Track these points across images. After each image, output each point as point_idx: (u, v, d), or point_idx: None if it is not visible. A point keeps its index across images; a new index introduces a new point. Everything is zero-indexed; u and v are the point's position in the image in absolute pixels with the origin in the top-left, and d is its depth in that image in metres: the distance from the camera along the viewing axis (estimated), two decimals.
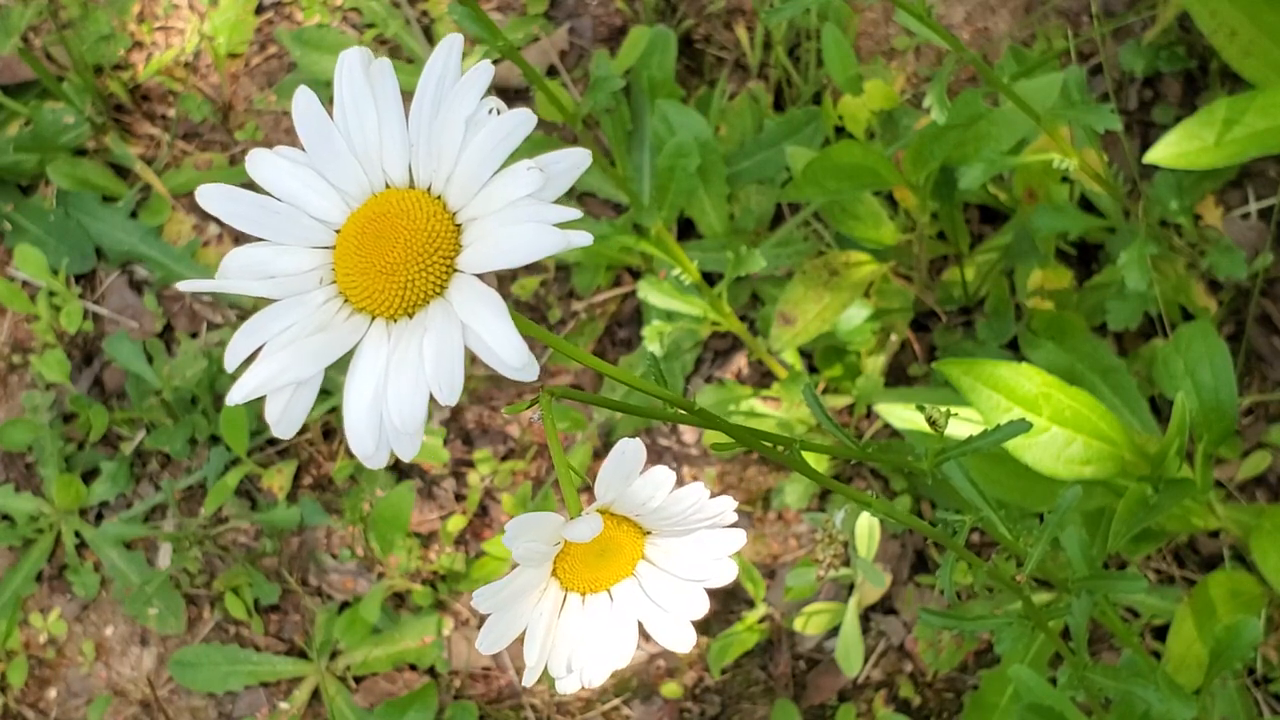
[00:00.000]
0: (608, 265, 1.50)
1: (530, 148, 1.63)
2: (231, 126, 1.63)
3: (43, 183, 1.62)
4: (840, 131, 1.46)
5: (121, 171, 1.62)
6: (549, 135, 1.54)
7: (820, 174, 1.32)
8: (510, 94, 1.58)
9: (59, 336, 1.59)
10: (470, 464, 1.50)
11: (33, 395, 1.56)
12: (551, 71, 1.58)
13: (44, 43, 1.66)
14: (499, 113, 0.53)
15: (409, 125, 0.57)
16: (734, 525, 0.64)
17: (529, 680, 0.62)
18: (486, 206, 0.53)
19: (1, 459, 1.58)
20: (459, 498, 1.50)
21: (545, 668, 0.63)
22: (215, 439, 1.54)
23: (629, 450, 0.59)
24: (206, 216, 1.61)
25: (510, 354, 0.51)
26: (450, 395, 0.52)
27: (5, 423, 1.56)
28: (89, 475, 1.56)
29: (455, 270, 0.55)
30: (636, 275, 1.51)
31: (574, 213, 0.51)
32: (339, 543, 1.51)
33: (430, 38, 1.61)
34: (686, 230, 1.50)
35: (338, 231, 0.57)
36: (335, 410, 1.52)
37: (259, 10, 1.66)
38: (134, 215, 1.60)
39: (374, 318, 0.56)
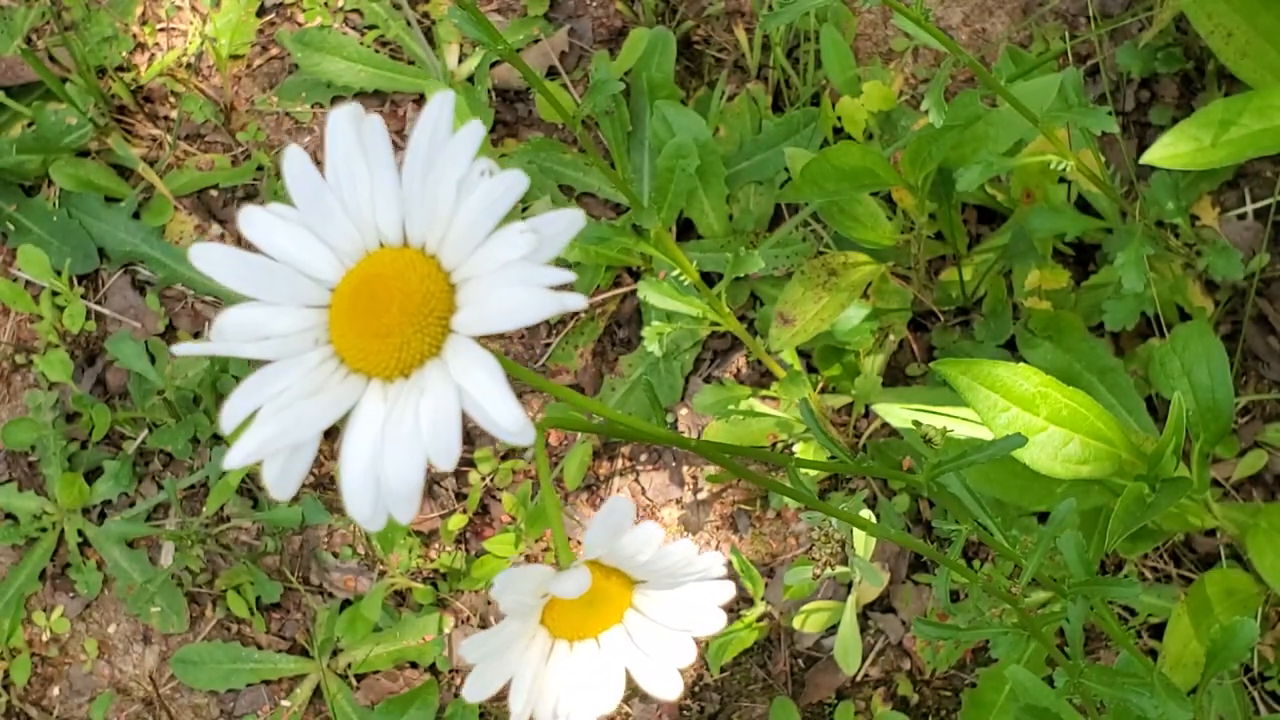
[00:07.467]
0: (607, 265, 1.50)
1: (531, 150, 1.62)
2: (233, 128, 1.63)
3: (46, 183, 1.63)
4: (839, 133, 1.46)
5: (124, 172, 1.63)
6: (549, 136, 1.54)
7: (819, 175, 1.32)
8: (510, 95, 1.58)
9: (62, 336, 1.59)
10: (471, 463, 1.51)
11: (36, 395, 1.57)
12: (551, 73, 1.58)
13: (47, 44, 1.66)
14: (491, 174, 0.53)
15: (402, 183, 0.56)
16: (722, 579, 0.64)
17: None
18: (480, 268, 0.53)
19: (5, 458, 1.58)
20: (459, 496, 1.51)
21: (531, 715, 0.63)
22: (217, 438, 1.55)
23: (618, 508, 0.59)
24: (209, 217, 1.62)
25: (506, 420, 0.50)
26: (448, 461, 0.51)
27: (9, 422, 1.57)
28: (92, 474, 1.56)
29: (451, 331, 0.54)
30: (636, 275, 1.51)
31: (568, 275, 0.50)
32: (340, 541, 1.52)
33: (431, 39, 1.61)
34: (686, 231, 1.51)
35: (332, 290, 0.57)
36: None
37: (261, 12, 1.66)
38: (136, 216, 1.61)
39: (370, 379, 0.55)
